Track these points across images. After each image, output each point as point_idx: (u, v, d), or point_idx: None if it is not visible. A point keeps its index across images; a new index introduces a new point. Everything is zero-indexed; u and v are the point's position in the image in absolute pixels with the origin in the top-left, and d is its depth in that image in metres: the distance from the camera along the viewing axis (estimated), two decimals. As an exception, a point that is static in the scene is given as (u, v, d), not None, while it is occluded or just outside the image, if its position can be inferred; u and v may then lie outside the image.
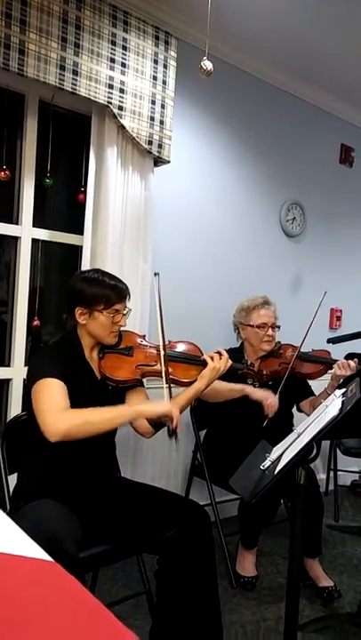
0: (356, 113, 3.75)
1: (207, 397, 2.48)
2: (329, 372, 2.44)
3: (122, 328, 1.82)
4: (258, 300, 2.57)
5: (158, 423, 1.81)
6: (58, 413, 1.53)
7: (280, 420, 2.43)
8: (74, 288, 1.76)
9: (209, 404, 2.37)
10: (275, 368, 2.47)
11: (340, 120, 3.71)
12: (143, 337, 1.91)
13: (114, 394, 1.81)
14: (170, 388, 1.77)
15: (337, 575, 2.43)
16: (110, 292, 1.74)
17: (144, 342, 1.88)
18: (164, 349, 1.78)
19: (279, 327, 2.54)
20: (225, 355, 1.90)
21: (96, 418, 1.56)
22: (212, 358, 1.87)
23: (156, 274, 1.80)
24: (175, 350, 1.89)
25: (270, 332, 2.48)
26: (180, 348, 1.92)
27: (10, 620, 0.67)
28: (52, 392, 1.58)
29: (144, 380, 1.88)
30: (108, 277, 1.78)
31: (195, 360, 1.89)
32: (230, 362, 1.91)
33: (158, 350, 1.80)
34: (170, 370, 1.80)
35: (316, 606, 2.18)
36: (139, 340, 1.88)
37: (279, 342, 2.57)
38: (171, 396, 1.77)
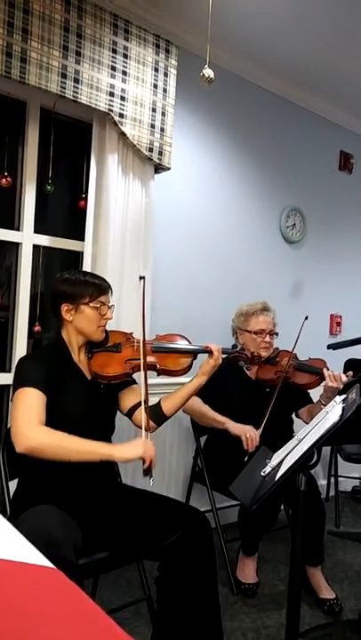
0: (355, 120, 3.77)
1: (194, 418, 2.49)
2: (323, 382, 2.42)
3: (108, 328, 1.83)
4: (257, 305, 2.56)
5: (161, 418, 1.83)
6: (31, 427, 1.53)
7: (280, 426, 2.43)
8: (56, 289, 1.78)
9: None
10: (271, 376, 2.46)
11: (339, 127, 3.73)
12: (131, 334, 1.92)
13: (106, 393, 1.81)
14: (147, 411, 1.73)
15: (338, 582, 2.41)
16: (92, 286, 1.77)
17: (131, 338, 1.89)
18: (144, 344, 1.78)
19: (277, 334, 2.52)
20: (215, 346, 1.89)
21: (67, 445, 1.54)
22: (214, 351, 1.86)
23: (141, 277, 1.81)
24: (162, 342, 1.90)
25: (268, 338, 2.48)
26: (168, 339, 1.93)
27: (11, 627, 0.67)
28: (28, 403, 1.59)
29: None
30: (89, 276, 1.83)
31: (182, 349, 1.89)
32: (221, 350, 1.90)
33: (145, 343, 1.79)
34: (158, 361, 1.82)
35: (318, 613, 2.16)
36: (127, 338, 1.89)
37: (277, 349, 2.56)
38: (150, 419, 1.74)
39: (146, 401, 1.73)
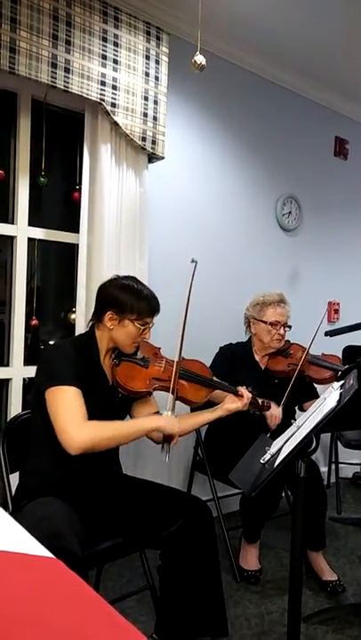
0: (349, 105, 3.74)
1: None
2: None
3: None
4: (274, 296, 2.53)
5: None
6: (79, 426, 1.52)
7: (283, 416, 2.44)
8: (109, 292, 1.73)
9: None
10: (283, 368, 2.48)
11: (333, 113, 3.70)
12: (159, 349, 1.89)
13: (122, 401, 1.80)
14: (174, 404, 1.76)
15: (340, 567, 2.43)
16: (146, 304, 1.73)
17: (159, 355, 1.86)
18: (178, 365, 1.77)
19: (290, 327, 2.51)
20: (246, 392, 1.89)
21: (115, 433, 1.57)
22: (241, 395, 1.88)
23: (193, 261, 1.75)
24: (189, 370, 1.88)
25: (282, 330, 2.47)
26: (193, 367, 1.91)
27: (12, 617, 0.67)
28: (71, 402, 1.56)
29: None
30: (144, 288, 1.78)
31: (207, 382, 1.89)
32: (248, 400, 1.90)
33: (172, 366, 1.78)
34: (180, 388, 1.81)
35: (320, 598, 2.18)
36: (154, 353, 1.86)
37: (288, 341, 2.56)
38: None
39: (174, 390, 1.75)
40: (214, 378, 1.95)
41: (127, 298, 1.71)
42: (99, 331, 1.77)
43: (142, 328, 1.73)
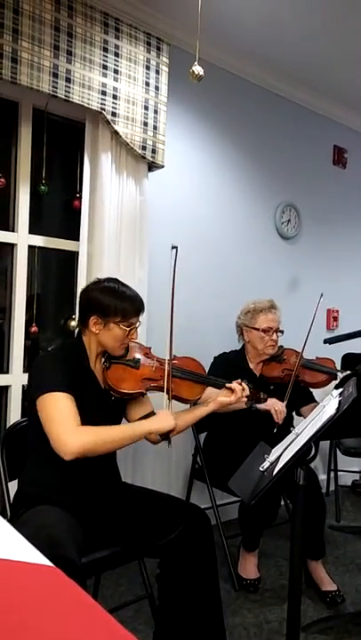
0: (348, 114, 3.77)
1: None
2: (333, 382, 2.45)
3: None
4: (264, 303, 2.54)
5: (167, 434, 1.82)
6: (72, 432, 1.52)
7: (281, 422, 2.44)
8: (91, 296, 1.73)
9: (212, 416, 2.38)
10: (278, 374, 2.48)
11: (332, 122, 3.73)
12: (149, 349, 1.89)
13: (115, 403, 1.80)
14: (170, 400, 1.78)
15: (339, 576, 2.43)
16: (129, 305, 1.72)
17: (150, 355, 1.86)
18: (169, 364, 1.78)
19: (282, 332, 2.52)
20: (238, 386, 1.87)
21: (109, 438, 1.57)
22: (236, 389, 1.85)
23: (173, 247, 1.75)
24: (181, 367, 1.87)
25: (275, 336, 2.48)
26: (186, 364, 1.90)
27: (11, 625, 0.67)
28: (63, 408, 1.55)
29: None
30: (126, 289, 1.76)
31: (199, 378, 1.89)
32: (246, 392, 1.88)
33: (164, 365, 1.79)
34: (175, 387, 1.80)
35: (320, 607, 2.17)
36: (145, 353, 1.86)
37: (282, 347, 2.57)
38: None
39: (168, 390, 1.76)
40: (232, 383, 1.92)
41: (110, 300, 1.70)
42: (85, 336, 1.77)
43: (128, 329, 1.72)
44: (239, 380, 1.88)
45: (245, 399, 1.87)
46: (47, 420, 1.55)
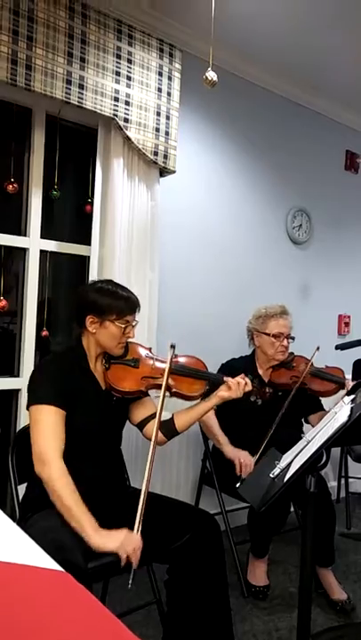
0: (360, 119, 3.76)
1: (202, 426, 2.51)
2: (340, 391, 2.43)
3: (129, 340, 1.82)
4: (276, 308, 2.53)
5: (173, 433, 1.84)
6: (52, 460, 1.54)
7: (289, 428, 2.43)
8: (86, 297, 1.76)
9: (218, 412, 2.38)
10: (285, 380, 2.47)
11: (344, 127, 3.72)
12: (150, 349, 1.91)
13: (118, 404, 1.82)
14: (160, 428, 1.76)
15: (350, 584, 2.40)
16: (123, 303, 1.75)
17: (150, 355, 1.88)
18: (169, 364, 1.77)
19: (293, 338, 2.51)
20: (233, 380, 1.87)
21: (65, 502, 1.50)
22: (232, 385, 1.85)
23: (172, 346, 1.77)
24: (180, 364, 1.88)
25: (285, 342, 2.47)
26: (185, 361, 1.91)
27: (21, 629, 0.68)
28: (46, 423, 1.59)
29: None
30: (120, 289, 1.79)
31: (199, 374, 1.89)
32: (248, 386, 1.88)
33: (164, 363, 1.80)
34: (174, 383, 1.81)
35: (330, 615, 2.15)
36: (145, 353, 1.88)
37: (292, 353, 2.55)
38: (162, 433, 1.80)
39: (159, 417, 1.72)
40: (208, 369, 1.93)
41: (104, 299, 1.73)
42: (84, 338, 1.79)
43: (124, 327, 1.74)
44: (242, 375, 1.89)
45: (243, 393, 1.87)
46: (33, 434, 1.61)
